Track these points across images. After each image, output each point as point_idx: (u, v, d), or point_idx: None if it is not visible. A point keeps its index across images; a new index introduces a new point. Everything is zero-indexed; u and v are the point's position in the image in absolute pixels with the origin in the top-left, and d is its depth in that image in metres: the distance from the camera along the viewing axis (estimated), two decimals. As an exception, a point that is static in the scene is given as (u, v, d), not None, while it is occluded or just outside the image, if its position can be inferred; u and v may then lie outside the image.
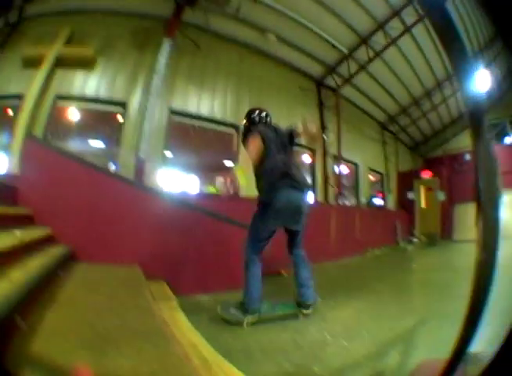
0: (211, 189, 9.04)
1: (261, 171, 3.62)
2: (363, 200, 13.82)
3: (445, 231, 13.67)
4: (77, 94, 7.56)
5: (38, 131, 6.91)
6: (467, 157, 14.23)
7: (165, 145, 8.12)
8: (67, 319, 2.09)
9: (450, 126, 17.29)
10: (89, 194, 4.19)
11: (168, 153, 8.77)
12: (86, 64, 7.58)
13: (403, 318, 3.59)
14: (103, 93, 7.70)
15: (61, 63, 7.34)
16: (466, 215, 12.63)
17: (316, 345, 2.98)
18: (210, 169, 10.89)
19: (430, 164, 16.93)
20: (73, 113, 7.83)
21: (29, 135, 5.86)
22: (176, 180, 8.79)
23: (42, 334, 1.79)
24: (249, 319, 3.37)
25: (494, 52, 12.30)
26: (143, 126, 7.11)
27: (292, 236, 3.83)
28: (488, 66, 12.53)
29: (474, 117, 1.05)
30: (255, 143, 3.44)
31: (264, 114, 3.98)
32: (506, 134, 14.99)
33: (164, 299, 3.40)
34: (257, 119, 3.92)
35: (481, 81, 12.47)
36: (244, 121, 4.00)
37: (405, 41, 10.62)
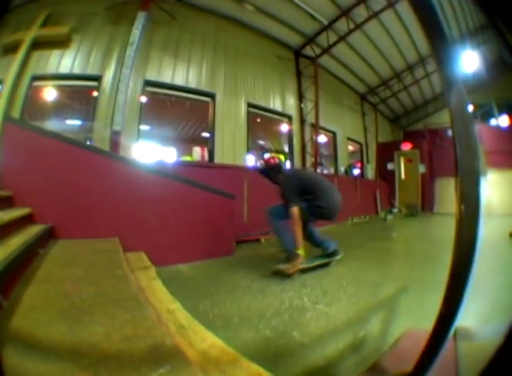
0: (188, 158, 9.09)
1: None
2: (342, 169, 13.96)
3: (425, 203, 14.07)
4: (53, 73, 7.38)
5: (16, 113, 6.76)
6: (449, 132, 14.31)
7: (140, 116, 8.00)
8: (46, 293, 2.12)
9: (432, 101, 17.47)
10: (67, 171, 4.15)
11: (145, 126, 8.74)
12: (62, 43, 7.42)
13: (384, 285, 3.67)
14: (78, 69, 7.51)
15: (38, 45, 7.21)
16: (447, 189, 12.99)
17: (296, 310, 3.01)
18: (186, 139, 10.89)
19: (410, 136, 17.12)
20: (49, 93, 7.68)
21: (7, 118, 5.78)
22: (154, 152, 8.78)
23: (22, 309, 1.83)
24: (302, 263, 4.05)
25: (485, 35, 12.41)
26: (117, 98, 7.01)
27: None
28: (476, 48, 12.64)
29: (453, 94, 1.08)
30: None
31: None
32: (492, 115, 15.23)
33: (143, 269, 3.45)
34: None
35: (468, 61, 12.68)
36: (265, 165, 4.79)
37: (388, 16, 10.54)
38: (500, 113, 14.89)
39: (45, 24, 7.40)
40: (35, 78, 7.25)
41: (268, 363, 1.93)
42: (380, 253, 5.81)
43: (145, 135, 8.57)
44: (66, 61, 7.48)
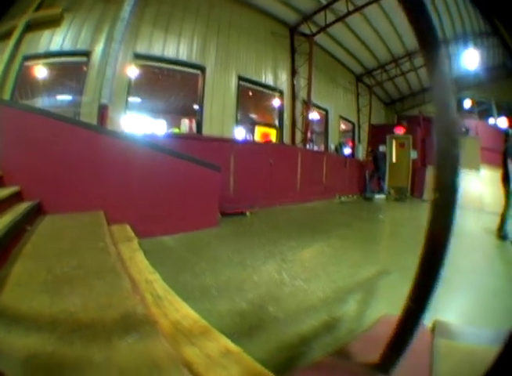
0: (176, 130, 9.09)
1: None
2: (332, 146, 14.02)
3: (415, 189, 14.06)
4: (44, 51, 7.31)
5: (7, 93, 6.75)
6: None
7: (129, 89, 7.98)
8: (31, 268, 2.18)
9: (430, 90, 17.10)
10: (53, 146, 4.13)
11: (135, 98, 8.71)
12: (54, 23, 7.34)
13: (366, 267, 3.68)
14: (69, 46, 7.42)
15: (30, 27, 7.13)
16: None
17: (274, 285, 3.06)
18: (176, 111, 10.87)
19: (404, 121, 16.76)
20: (40, 71, 7.62)
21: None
22: (143, 124, 8.77)
23: (8, 286, 1.89)
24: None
25: (492, 40, 12.39)
26: (105, 72, 6.94)
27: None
28: (481, 48, 12.58)
29: (438, 86, 1.18)
30: None
31: None
32: (490, 114, 15.19)
33: (126, 241, 3.52)
34: None
35: (470, 58, 12.66)
36: None
37: (390, 1, 10.26)
38: (499, 114, 14.89)
39: (38, 7, 7.27)
40: (26, 58, 7.19)
41: (241, 337, 2.03)
42: (364, 234, 5.83)
43: (134, 107, 8.54)
44: (56, 39, 7.39)
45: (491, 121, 15.10)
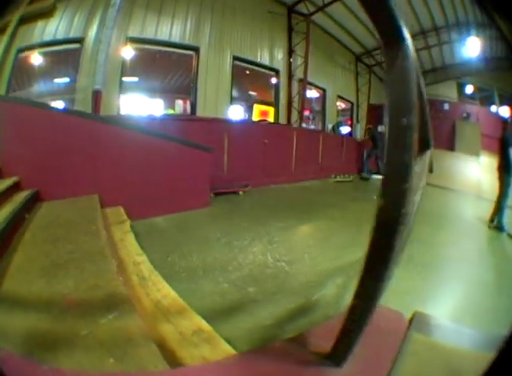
0: (171, 111, 9.17)
1: None
2: (329, 126, 13.89)
3: None
4: (38, 42, 7.33)
5: (3, 84, 6.86)
6: (446, 106, 14.45)
7: (123, 72, 8.04)
8: (30, 255, 2.38)
9: (431, 72, 16.83)
10: (48, 136, 4.24)
11: (131, 78, 8.75)
12: (47, 14, 7.34)
13: (351, 249, 3.62)
14: (62, 34, 7.45)
15: (24, 20, 7.11)
16: (436, 161, 13.07)
17: (257, 266, 3.15)
18: (171, 92, 10.93)
19: None
20: (35, 61, 7.61)
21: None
22: (138, 105, 8.83)
23: (10, 272, 2.09)
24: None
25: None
26: (98, 58, 7.03)
27: None
28: (482, 36, 12.42)
29: (395, 83, 1.05)
30: None
31: None
32: (492, 102, 14.88)
33: (119, 223, 3.68)
34: None
35: (471, 47, 12.46)
36: None
37: None
38: (502, 103, 14.61)
39: (32, 0, 7.22)
40: (21, 50, 7.23)
41: (219, 317, 2.17)
42: (356, 215, 5.55)
43: (130, 88, 8.58)
44: (49, 29, 7.39)
45: (493, 108, 14.89)
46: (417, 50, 14.27)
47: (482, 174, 10.65)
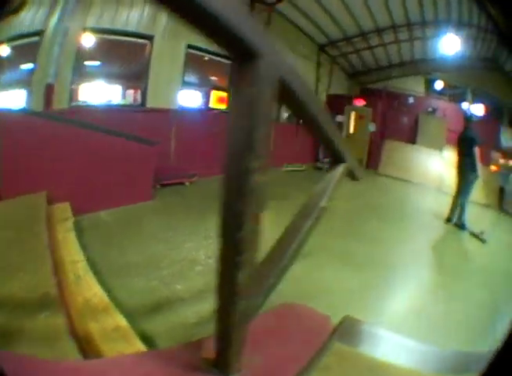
0: (122, 102, 8.96)
1: None
2: (285, 115, 13.79)
3: (370, 161, 14.28)
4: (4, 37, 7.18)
5: None
6: (411, 100, 14.85)
7: (76, 65, 7.92)
8: None
9: (398, 66, 16.92)
10: None
11: (89, 66, 8.70)
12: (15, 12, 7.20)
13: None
14: (23, 29, 7.38)
15: None
16: (395, 152, 13.56)
17: (188, 262, 3.31)
18: (126, 79, 10.88)
19: (366, 93, 16.81)
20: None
21: None
22: (99, 92, 8.81)
23: None
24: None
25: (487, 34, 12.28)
26: (53, 50, 7.06)
27: None
28: (460, 33, 12.56)
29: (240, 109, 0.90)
30: None
31: None
32: (464, 99, 15.10)
33: (62, 221, 3.80)
34: None
35: (449, 44, 12.63)
36: None
37: None
38: (476, 101, 14.90)
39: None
40: None
41: (145, 314, 2.35)
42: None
43: (88, 75, 8.59)
44: (15, 24, 7.29)
45: (464, 105, 15.13)
46: (385, 44, 14.76)
47: (444, 168, 10.93)
